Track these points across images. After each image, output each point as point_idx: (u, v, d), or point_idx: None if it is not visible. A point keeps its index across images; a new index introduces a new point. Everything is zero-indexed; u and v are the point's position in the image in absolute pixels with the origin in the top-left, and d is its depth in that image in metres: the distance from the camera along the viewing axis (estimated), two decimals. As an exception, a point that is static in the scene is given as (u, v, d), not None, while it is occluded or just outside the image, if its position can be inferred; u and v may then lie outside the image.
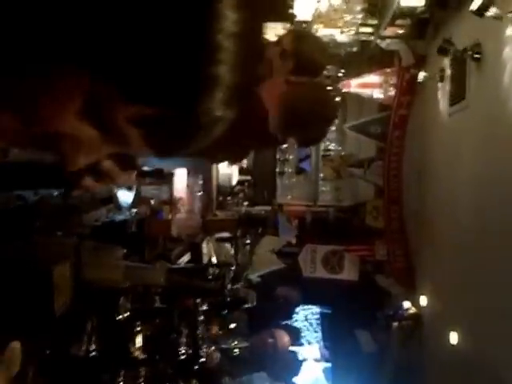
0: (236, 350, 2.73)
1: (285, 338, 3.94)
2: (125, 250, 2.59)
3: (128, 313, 2.36)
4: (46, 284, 1.93)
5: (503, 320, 3.50)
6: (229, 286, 3.02)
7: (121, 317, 2.33)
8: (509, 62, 3.54)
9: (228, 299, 2.94)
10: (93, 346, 2.05)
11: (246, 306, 3.06)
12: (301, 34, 2.31)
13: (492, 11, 3.33)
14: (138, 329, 2.15)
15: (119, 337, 2.19)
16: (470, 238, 4.14)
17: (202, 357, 2.29)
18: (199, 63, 0.48)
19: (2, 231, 2.01)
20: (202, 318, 2.45)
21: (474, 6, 3.42)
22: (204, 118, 0.54)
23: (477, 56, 4.00)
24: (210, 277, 3.21)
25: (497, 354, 3.59)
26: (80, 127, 0.58)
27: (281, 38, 2.23)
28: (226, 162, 5.90)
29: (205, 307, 2.57)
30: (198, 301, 2.52)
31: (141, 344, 2.08)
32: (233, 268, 3.27)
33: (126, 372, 1.95)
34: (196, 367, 2.29)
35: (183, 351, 2.27)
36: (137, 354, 2.06)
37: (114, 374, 1.94)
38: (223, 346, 2.60)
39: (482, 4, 3.34)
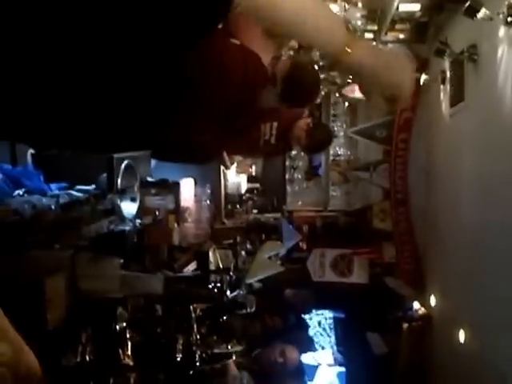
0: (233, 356, 2.78)
1: (294, 355, 3.96)
2: (121, 260, 2.63)
3: (125, 323, 2.40)
4: (38, 296, 1.98)
5: (510, 318, 3.50)
6: (228, 292, 3.07)
7: (118, 327, 2.37)
8: (503, 61, 3.56)
9: (227, 305, 3.00)
10: (87, 357, 2.10)
11: (245, 311, 3.12)
12: (297, 66, 2.37)
13: (482, 13, 3.35)
14: (130, 336, 2.20)
15: (114, 346, 2.25)
16: (475, 237, 4.15)
17: (195, 362, 2.35)
18: None
19: (-3, 246, 2.08)
20: (195, 325, 2.50)
21: (465, 8, 3.45)
22: None
23: (473, 57, 4.02)
24: (212, 284, 3.25)
25: (504, 352, 3.59)
26: None
27: (277, 62, 2.32)
28: (234, 170, 6.01)
29: (200, 313, 2.64)
30: (192, 307, 2.58)
31: (131, 351, 2.14)
32: (231, 274, 3.32)
33: (116, 379, 2.01)
34: (189, 373, 2.35)
35: (177, 358, 2.33)
36: (127, 361, 2.12)
37: (102, 382, 2.00)
38: (217, 350, 2.66)
39: (472, 6, 3.37)
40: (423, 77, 5.26)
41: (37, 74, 1.40)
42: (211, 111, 1.80)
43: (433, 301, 5.34)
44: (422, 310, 5.48)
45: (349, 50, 1.41)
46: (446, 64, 4.70)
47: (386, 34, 5.20)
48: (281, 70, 2.26)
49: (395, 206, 5.80)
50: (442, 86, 4.93)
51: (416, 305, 5.56)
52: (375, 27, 5.24)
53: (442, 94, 4.98)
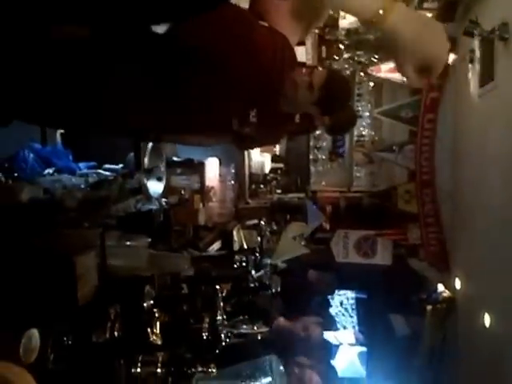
0: (258, 335, 2.81)
1: (317, 331, 3.98)
2: (149, 239, 2.66)
3: (152, 301, 2.43)
4: (68, 273, 2.01)
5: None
6: (253, 272, 3.09)
7: (145, 304, 2.39)
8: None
9: (252, 285, 3.03)
10: (115, 334, 2.13)
11: (270, 291, 3.15)
12: (332, 75, 2.41)
13: (515, -9, 3.28)
14: (158, 315, 2.23)
15: (141, 324, 2.28)
16: (503, 220, 4.10)
17: (221, 342, 2.38)
18: None
19: (28, 224, 2.12)
20: (222, 304, 2.53)
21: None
22: None
23: (504, 36, 3.94)
24: (237, 264, 3.27)
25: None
26: None
27: (313, 72, 2.35)
28: (259, 149, 6.02)
29: (225, 293, 2.66)
30: (219, 287, 2.61)
31: (159, 330, 2.17)
32: (257, 254, 3.35)
33: (144, 357, 2.04)
34: (215, 352, 2.38)
35: (203, 337, 2.36)
36: (155, 339, 2.15)
37: (132, 359, 2.03)
38: (243, 330, 2.69)
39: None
40: (451, 56, 5.20)
41: (66, 60, 1.42)
42: (241, 93, 1.81)
43: (458, 284, 5.32)
44: (447, 293, 5.47)
45: (382, 13, 1.37)
46: (475, 43, 4.61)
47: (413, 12, 5.12)
48: (317, 79, 2.30)
49: (421, 188, 5.76)
50: (470, 66, 4.84)
51: (440, 287, 5.55)
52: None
53: (470, 74, 4.89)
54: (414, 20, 1.41)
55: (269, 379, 2.22)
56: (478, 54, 4.60)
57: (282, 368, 2.36)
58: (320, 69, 2.37)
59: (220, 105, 1.81)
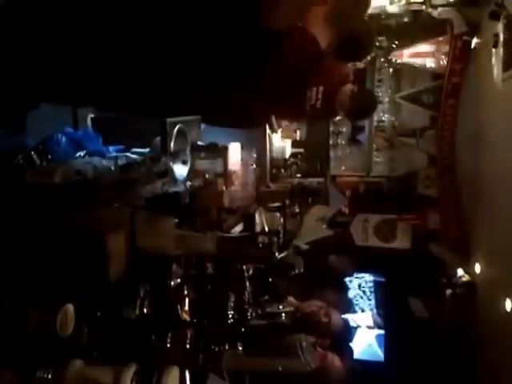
0: (283, 315, 2.87)
1: (338, 318, 4.02)
2: (176, 220, 2.73)
3: (179, 279, 2.50)
4: (100, 252, 2.08)
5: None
6: (277, 253, 3.15)
7: (173, 283, 2.46)
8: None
9: (276, 265, 3.08)
10: (145, 310, 2.21)
11: (294, 272, 3.20)
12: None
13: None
14: (187, 293, 2.30)
15: (170, 301, 2.35)
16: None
17: (247, 321, 2.45)
18: None
19: (61, 203, 2.20)
20: (248, 283, 2.60)
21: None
22: None
23: (530, 19, 3.93)
24: (260, 245, 3.33)
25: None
26: None
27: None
28: (280, 135, 6.05)
29: (252, 273, 2.73)
30: (245, 267, 2.67)
31: (188, 308, 2.24)
32: (281, 236, 3.40)
33: (174, 334, 2.12)
34: (242, 330, 2.44)
35: (230, 315, 2.43)
36: (185, 317, 2.22)
37: (162, 336, 2.10)
38: (269, 310, 2.76)
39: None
40: (474, 40, 5.18)
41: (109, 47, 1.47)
42: (269, 84, 1.87)
43: (477, 268, 5.32)
44: (466, 277, 5.48)
45: None
46: (500, 27, 4.59)
47: (435, -3, 5.12)
48: None
49: (441, 173, 5.76)
50: (493, 50, 4.82)
51: (460, 271, 5.56)
52: (425, -10, 5.16)
53: (493, 59, 4.86)
54: None
55: (299, 357, 2.29)
56: (502, 37, 4.57)
57: (311, 347, 2.43)
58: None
59: (251, 92, 1.87)
